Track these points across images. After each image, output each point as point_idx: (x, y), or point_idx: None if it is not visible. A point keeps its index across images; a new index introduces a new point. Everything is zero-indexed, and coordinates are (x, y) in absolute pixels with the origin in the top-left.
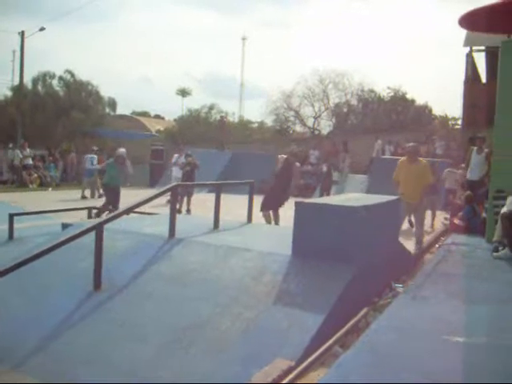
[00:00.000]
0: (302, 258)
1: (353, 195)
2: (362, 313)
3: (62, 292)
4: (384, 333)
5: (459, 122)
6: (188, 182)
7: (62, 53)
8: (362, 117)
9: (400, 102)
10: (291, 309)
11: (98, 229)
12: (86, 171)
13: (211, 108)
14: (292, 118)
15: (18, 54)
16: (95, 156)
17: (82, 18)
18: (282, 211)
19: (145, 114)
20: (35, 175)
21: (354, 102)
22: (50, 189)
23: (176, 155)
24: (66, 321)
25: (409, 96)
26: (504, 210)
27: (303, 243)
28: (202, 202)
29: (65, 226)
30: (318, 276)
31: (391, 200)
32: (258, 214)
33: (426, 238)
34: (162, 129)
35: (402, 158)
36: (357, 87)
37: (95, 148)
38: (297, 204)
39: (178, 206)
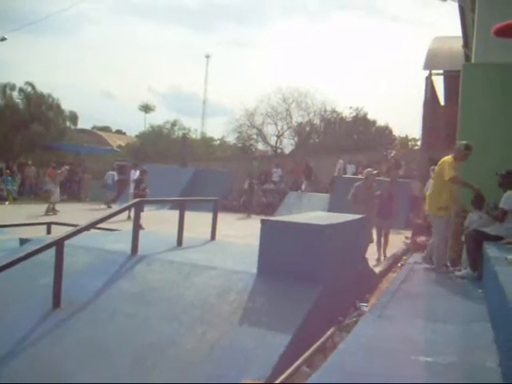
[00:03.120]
0: (268, 276)
1: (318, 214)
2: (328, 332)
3: (20, 310)
4: (352, 352)
5: (419, 142)
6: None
7: (22, 64)
8: (324, 136)
9: (361, 123)
10: (257, 328)
11: (59, 245)
12: (109, 186)
13: (174, 124)
14: (255, 136)
15: None
16: (115, 173)
17: (44, 29)
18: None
19: (106, 129)
20: None
21: (316, 121)
22: (7, 203)
23: (133, 171)
24: (23, 340)
25: (370, 117)
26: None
27: (269, 261)
28: (163, 219)
29: (23, 241)
30: (284, 295)
31: (356, 219)
32: (221, 232)
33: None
34: (123, 144)
35: (449, 158)
36: (319, 107)
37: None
38: (263, 222)
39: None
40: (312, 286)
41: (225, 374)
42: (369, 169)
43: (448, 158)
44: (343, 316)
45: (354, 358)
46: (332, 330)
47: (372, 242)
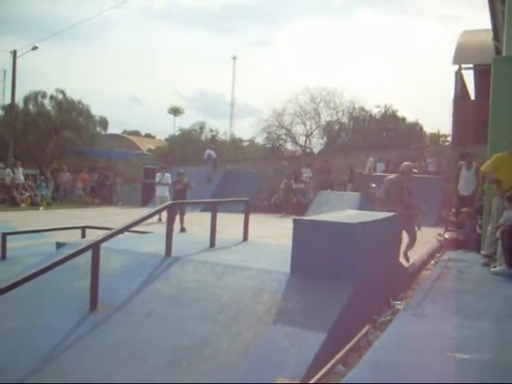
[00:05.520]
0: (301, 275)
1: (350, 212)
2: (363, 331)
3: (58, 313)
4: (387, 350)
5: (449, 138)
6: (180, 201)
7: (53, 72)
8: (353, 134)
9: (391, 120)
10: (291, 327)
11: (95, 247)
12: (205, 162)
13: (202, 127)
14: (283, 136)
15: (8, 73)
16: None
17: (72, 37)
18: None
19: (136, 133)
20: (27, 194)
21: (345, 119)
22: (42, 208)
23: (159, 174)
24: (61, 342)
25: (399, 114)
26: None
27: (302, 260)
28: (195, 221)
29: (59, 245)
30: (318, 294)
31: (389, 216)
32: (253, 233)
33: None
34: (152, 148)
35: (501, 154)
36: (348, 105)
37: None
38: (295, 221)
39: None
40: (345, 285)
41: (260, 374)
42: (407, 162)
43: (500, 154)
44: (377, 314)
45: (389, 356)
46: (366, 328)
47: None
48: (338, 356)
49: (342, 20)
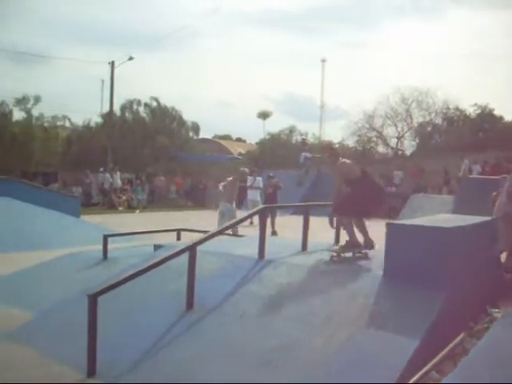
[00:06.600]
0: (394, 279)
1: (444, 216)
2: (458, 339)
3: (156, 311)
4: (483, 359)
5: None
6: (272, 204)
7: (146, 80)
8: (447, 135)
9: (487, 119)
10: (384, 332)
11: (192, 250)
12: (301, 165)
13: (291, 131)
14: (374, 139)
15: (106, 82)
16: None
17: (164, 46)
18: None
19: (227, 138)
20: (124, 198)
21: (438, 120)
22: (138, 211)
23: (250, 178)
24: (159, 340)
25: (497, 112)
26: None
27: (395, 265)
28: (287, 224)
29: (157, 246)
30: (411, 299)
31: (486, 221)
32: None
33: None
34: (243, 151)
35: None
36: (441, 105)
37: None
38: (388, 225)
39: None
40: (439, 291)
41: (353, 375)
42: None
43: None
44: (474, 322)
45: (485, 366)
46: (462, 335)
47: None
48: (431, 362)
49: (432, 19)
